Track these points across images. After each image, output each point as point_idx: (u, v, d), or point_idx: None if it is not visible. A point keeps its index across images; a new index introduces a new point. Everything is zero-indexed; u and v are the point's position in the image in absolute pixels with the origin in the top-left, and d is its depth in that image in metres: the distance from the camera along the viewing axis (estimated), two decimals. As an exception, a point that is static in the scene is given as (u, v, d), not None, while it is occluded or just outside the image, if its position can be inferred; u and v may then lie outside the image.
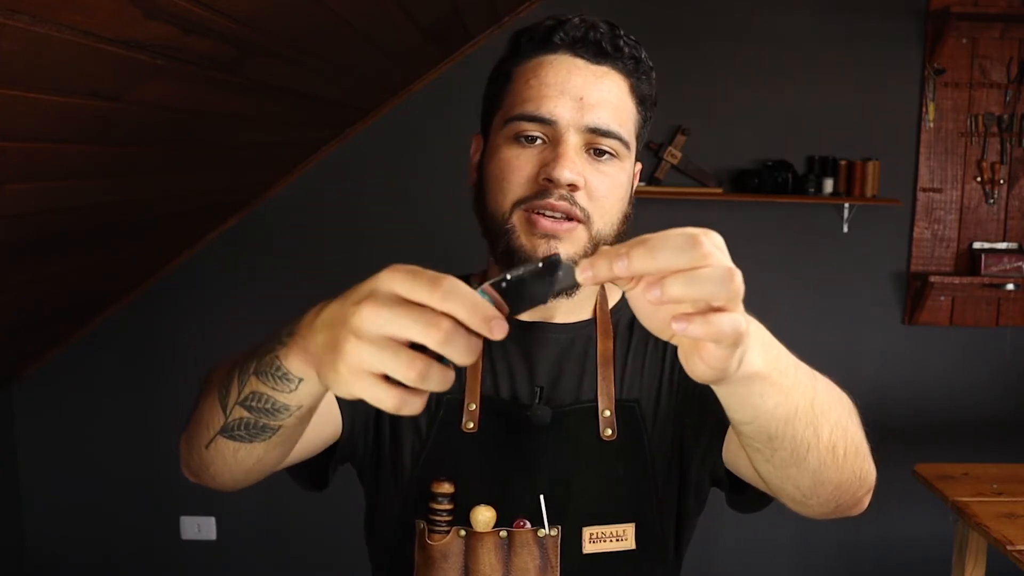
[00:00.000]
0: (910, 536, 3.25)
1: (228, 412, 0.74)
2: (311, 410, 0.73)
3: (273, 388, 0.69)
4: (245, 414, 0.73)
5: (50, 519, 3.17)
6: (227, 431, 0.75)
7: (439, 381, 0.57)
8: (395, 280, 0.56)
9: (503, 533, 0.97)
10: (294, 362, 0.66)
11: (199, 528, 3.18)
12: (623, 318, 1.07)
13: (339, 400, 0.96)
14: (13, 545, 3.11)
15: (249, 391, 0.71)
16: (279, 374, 0.68)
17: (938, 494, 2.26)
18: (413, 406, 0.58)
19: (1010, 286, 3.03)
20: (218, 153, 2.22)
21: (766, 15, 3.02)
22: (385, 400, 0.57)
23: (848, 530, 3.27)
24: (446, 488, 0.96)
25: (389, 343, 0.56)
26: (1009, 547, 1.92)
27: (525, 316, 0.99)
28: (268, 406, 0.71)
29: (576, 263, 0.58)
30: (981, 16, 2.96)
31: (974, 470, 2.40)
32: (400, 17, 2.13)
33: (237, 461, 0.78)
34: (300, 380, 0.67)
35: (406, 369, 0.56)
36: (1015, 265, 3.03)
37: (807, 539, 3.20)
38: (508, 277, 0.59)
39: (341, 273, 3.48)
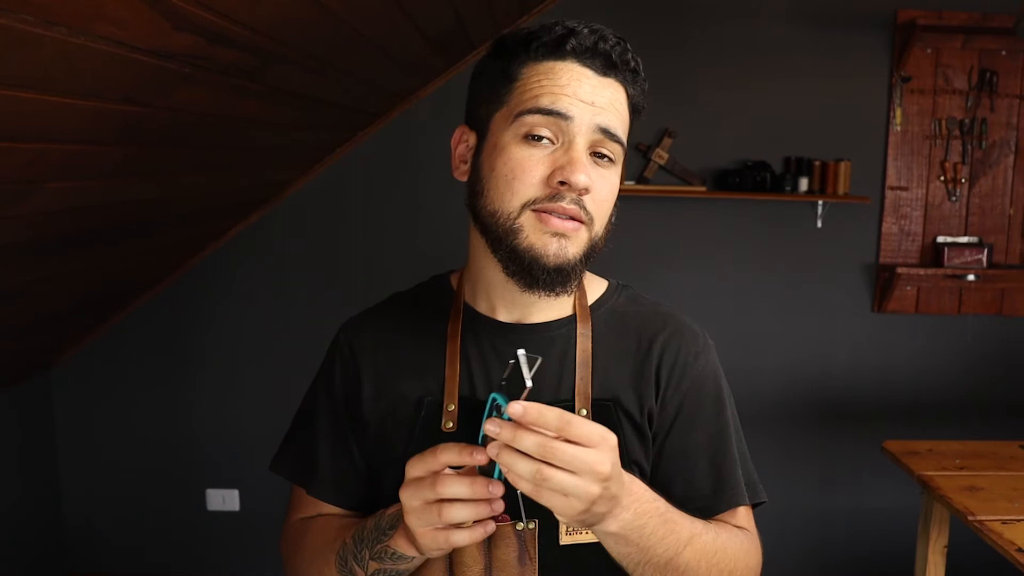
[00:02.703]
0: (879, 507, 3.25)
1: None
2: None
3: (394, 565, 0.89)
4: None
5: (86, 491, 3.17)
6: None
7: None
8: (415, 497, 0.79)
9: None
10: (403, 545, 0.86)
11: (223, 500, 3.19)
12: (603, 314, 1.03)
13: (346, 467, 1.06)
14: (52, 514, 3.12)
15: (375, 569, 0.90)
16: (396, 556, 0.88)
17: (905, 469, 2.26)
18: (480, 532, 0.81)
19: (971, 277, 3.03)
20: (240, 153, 2.21)
21: (749, 26, 3.01)
22: (465, 538, 0.80)
23: (822, 501, 3.28)
24: None
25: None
26: (970, 517, 1.93)
27: (503, 317, 1.01)
28: (395, 574, 0.91)
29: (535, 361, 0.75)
30: (944, 28, 2.95)
31: (938, 446, 2.41)
32: (409, 30, 2.12)
33: None
34: (413, 557, 0.87)
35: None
36: (975, 258, 3.03)
37: (783, 508, 3.20)
38: (503, 383, 0.80)
39: (353, 260, 3.47)
